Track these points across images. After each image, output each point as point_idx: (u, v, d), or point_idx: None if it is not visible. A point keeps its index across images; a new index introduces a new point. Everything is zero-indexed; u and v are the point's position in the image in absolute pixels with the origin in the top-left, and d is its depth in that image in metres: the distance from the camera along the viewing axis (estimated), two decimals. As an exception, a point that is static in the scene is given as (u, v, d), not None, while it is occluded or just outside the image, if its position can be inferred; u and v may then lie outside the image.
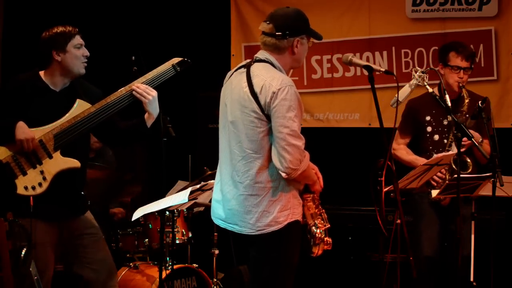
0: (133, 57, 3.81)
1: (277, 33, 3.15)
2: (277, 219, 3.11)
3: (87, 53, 3.70)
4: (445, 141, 4.35)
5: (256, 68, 3.17)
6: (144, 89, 3.70)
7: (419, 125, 4.43)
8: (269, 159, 3.11)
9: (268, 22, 3.20)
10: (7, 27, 6.50)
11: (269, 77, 3.10)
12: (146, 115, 3.76)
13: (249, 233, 3.14)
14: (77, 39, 3.67)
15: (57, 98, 3.68)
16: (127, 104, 3.73)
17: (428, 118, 4.40)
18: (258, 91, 3.08)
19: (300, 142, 3.06)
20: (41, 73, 3.71)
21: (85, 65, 3.70)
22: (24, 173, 3.52)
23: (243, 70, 3.21)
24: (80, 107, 3.65)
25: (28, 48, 6.23)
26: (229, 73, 3.35)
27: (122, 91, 3.72)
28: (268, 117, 3.08)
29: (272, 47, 3.19)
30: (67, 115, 3.62)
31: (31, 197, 3.49)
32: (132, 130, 3.83)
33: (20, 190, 3.50)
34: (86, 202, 3.89)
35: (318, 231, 3.24)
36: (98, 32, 6.41)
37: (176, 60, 3.81)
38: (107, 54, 6.08)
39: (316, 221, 3.25)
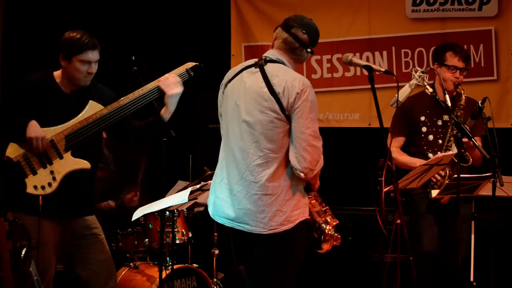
0: (133, 57, 3.82)
1: (309, 49, 3.22)
2: (290, 218, 3.13)
3: (92, 70, 3.63)
4: (440, 141, 4.34)
5: (272, 68, 3.17)
6: (174, 81, 3.69)
7: (414, 124, 4.41)
8: (286, 159, 3.12)
9: (304, 31, 3.20)
10: (7, 27, 6.50)
11: (290, 77, 3.11)
12: (162, 110, 3.73)
13: (261, 232, 3.13)
14: (87, 55, 3.59)
15: (69, 99, 3.67)
16: (140, 107, 3.71)
17: (422, 118, 4.39)
18: (280, 91, 3.09)
19: (320, 143, 3.11)
20: (55, 73, 3.70)
21: (88, 80, 3.65)
22: (35, 173, 3.53)
23: (255, 70, 3.20)
24: (92, 108, 3.64)
25: (28, 48, 6.27)
26: (231, 72, 3.32)
27: (135, 93, 3.70)
28: (288, 118, 3.09)
29: (292, 52, 3.23)
30: (79, 116, 3.62)
31: (40, 197, 3.49)
32: (148, 127, 3.80)
33: (30, 189, 3.51)
34: (93, 204, 3.89)
35: (328, 227, 3.27)
36: (98, 32, 6.40)
37: (190, 64, 3.81)
38: (107, 54, 6.07)
39: (327, 218, 3.29)
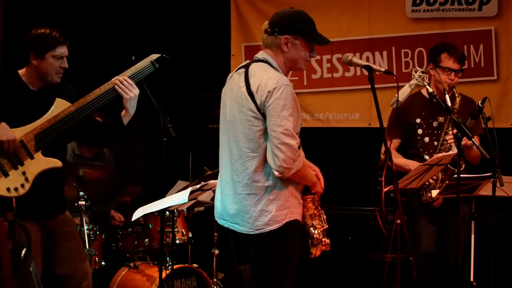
0: (133, 57, 3.81)
1: (268, 29, 3.20)
2: (276, 218, 3.12)
3: (65, 65, 3.64)
4: (435, 143, 4.33)
5: (254, 68, 3.19)
6: (128, 85, 3.68)
7: (409, 127, 4.40)
8: (266, 158, 3.12)
9: (269, 19, 3.23)
10: (7, 27, 6.50)
11: (266, 76, 3.11)
12: (123, 112, 3.74)
13: (249, 232, 3.16)
14: (59, 50, 3.60)
15: (36, 97, 3.65)
16: (108, 102, 3.69)
17: (418, 120, 4.38)
18: (254, 90, 3.10)
19: (294, 141, 3.06)
20: (20, 72, 3.69)
21: (60, 76, 3.65)
22: (6, 175, 3.48)
23: (243, 70, 3.23)
24: (59, 106, 3.61)
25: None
26: (230, 74, 3.37)
27: (102, 89, 3.68)
28: (264, 116, 3.10)
29: (264, 42, 3.24)
30: (47, 114, 3.58)
31: (14, 199, 3.44)
32: (109, 129, 3.81)
33: (2, 192, 3.46)
34: (65, 201, 3.88)
35: (316, 232, 3.24)
36: (98, 31, 6.42)
37: (154, 56, 3.79)
38: (107, 53, 6.08)
39: (314, 221, 3.25)
